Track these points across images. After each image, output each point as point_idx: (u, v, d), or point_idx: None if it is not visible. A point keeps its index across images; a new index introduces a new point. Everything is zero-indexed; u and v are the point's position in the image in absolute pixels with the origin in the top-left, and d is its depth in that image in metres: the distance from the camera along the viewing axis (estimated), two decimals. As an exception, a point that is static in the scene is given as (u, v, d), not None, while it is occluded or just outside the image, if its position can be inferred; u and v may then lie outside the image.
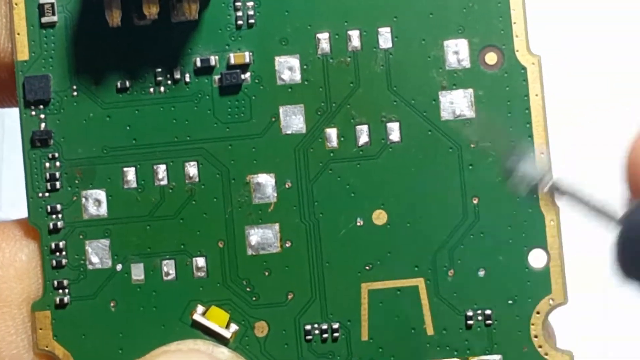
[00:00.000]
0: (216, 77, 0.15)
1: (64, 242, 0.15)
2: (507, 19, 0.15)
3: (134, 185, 0.15)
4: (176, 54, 0.16)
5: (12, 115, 0.17)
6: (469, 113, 0.15)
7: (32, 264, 0.16)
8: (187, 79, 0.15)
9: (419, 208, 0.15)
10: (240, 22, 0.15)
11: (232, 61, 0.15)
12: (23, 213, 0.16)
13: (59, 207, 0.15)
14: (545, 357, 0.15)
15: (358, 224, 0.15)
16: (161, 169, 0.15)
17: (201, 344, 0.15)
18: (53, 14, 0.16)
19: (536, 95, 0.15)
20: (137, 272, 0.15)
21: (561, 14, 0.28)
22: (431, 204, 0.15)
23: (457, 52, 0.15)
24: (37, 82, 0.16)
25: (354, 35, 0.15)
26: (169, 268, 0.15)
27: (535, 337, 0.15)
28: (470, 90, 0.15)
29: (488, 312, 0.15)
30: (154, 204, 0.15)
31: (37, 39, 0.16)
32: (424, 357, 0.15)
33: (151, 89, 0.15)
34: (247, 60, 0.15)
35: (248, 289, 0.15)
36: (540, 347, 0.15)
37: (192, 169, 0.15)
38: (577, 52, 0.29)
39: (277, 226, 0.15)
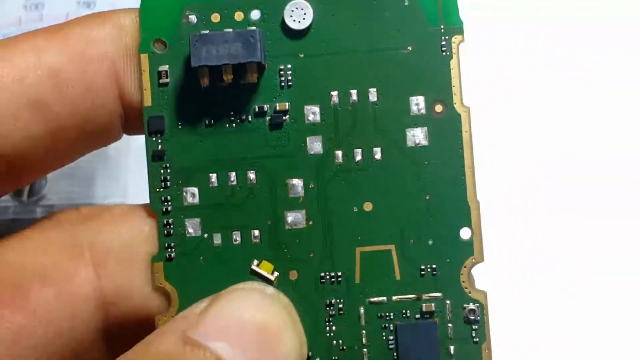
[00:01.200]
0: (267, 118, 0.19)
1: (171, 219, 0.19)
2: (449, 83, 0.19)
3: (216, 185, 0.19)
4: (243, 103, 0.19)
5: (135, 140, 0.21)
6: (424, 142, 0.19)
7: (152, 233, 0.19)
8: (250, 119, 0.19)
9: (393, 201, 0.19)
10: (282, 84, 0.19)
11: (278, 108, 0.19)
12: (143, 201, 0.20)
13: (169, 197, 0.19)
14: (469, 293, 0.19)
15: (354, 210, 0.19)
16: (232, 175, 0.19)
17: (256, 284, 0.19)
18: (166, 77, 0.19)
19: (466, 131, 0.19)
20: (217, 239, 0.19)
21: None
22: (401, 199, 0.19)
23: (417, 104, 0.19)
24: (156, 120, 0.19)
25: (354, 93, 0.19)
26: (236, 236, 0.19)
27: (463, 281, 0.19)
28: (425, 128, 0.19)
29: (435, 266, 0.19)
30: (228, 196, 0.19)
31: (156, 92, 0.19)
32: (393, 294, 0.19)
33: (227, 125, 0.19)
34: (287, 108, 0.19)
35: (285, 250, 0.19)
36: (466, 288, 0.19)
37: (251, 175, 0.19)
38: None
39: (304, 211, 0.19)
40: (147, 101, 0.19)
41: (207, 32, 0.18)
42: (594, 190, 0.31)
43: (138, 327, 0.19)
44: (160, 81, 0.19)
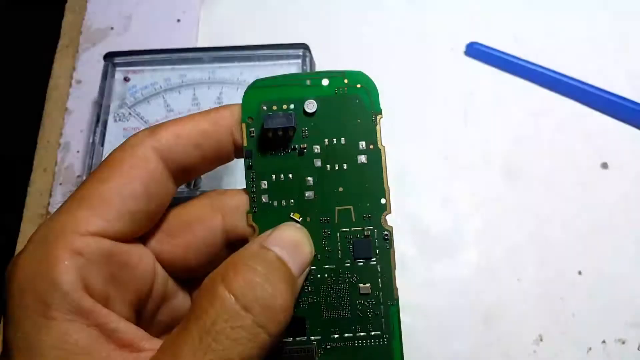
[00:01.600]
0: (297, 151, 0.32)
1: (255, 195, 0.31)
2: (375, 135, 0.32)
3: (274, 180, 0.32)
4: (287, 144, 0.32)
5: (239, 160, 0.33)
6: (365, 161, 0.31)
7: (247, 201, 0.32)
8: (289, 151, 0.32)
9: (352, 186, 0.32)
10: (303, 136, 0.32)
11: (302, 146, 0.32)
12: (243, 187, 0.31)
13: (254, 186, 0.31)
14: (385, 226, 0.31)
15: (334, 191, 0.32)
16: (282, 175, 0.32)
17: (292, 223, 0.32)
18: (253, 133, 0.32)
19: (383, 156, 0.31)
20: (275, 204, 0.32)
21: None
22: (355, 185, 0.32)
23: (362, 144, 0.32)
24: (248, 151, 0.32)
25: (334, 140, 0.32)
26: (284, 202, 0.33)
27: (383, 222, 0.31)
28: (366, 155, 0.32)
29: (370, 215, 0.31)
30: (280, 185, 0.32)
31: (249, 139, 0.32)
32: (351, 227, 0.32)
33: (279, 154, 0.32)
34: (305, 146, 0.32)
35: (305, 208, 0.32)
36: (383, 224, 0.32)
37: (290, 175, 0.32)
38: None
39: (313, 191, 0.32)
40: (245, 143, 0.32)
41: (271, 113, 0.32)
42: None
43: (241, 242, 0.31)
44: (250, 135, 0.32)
